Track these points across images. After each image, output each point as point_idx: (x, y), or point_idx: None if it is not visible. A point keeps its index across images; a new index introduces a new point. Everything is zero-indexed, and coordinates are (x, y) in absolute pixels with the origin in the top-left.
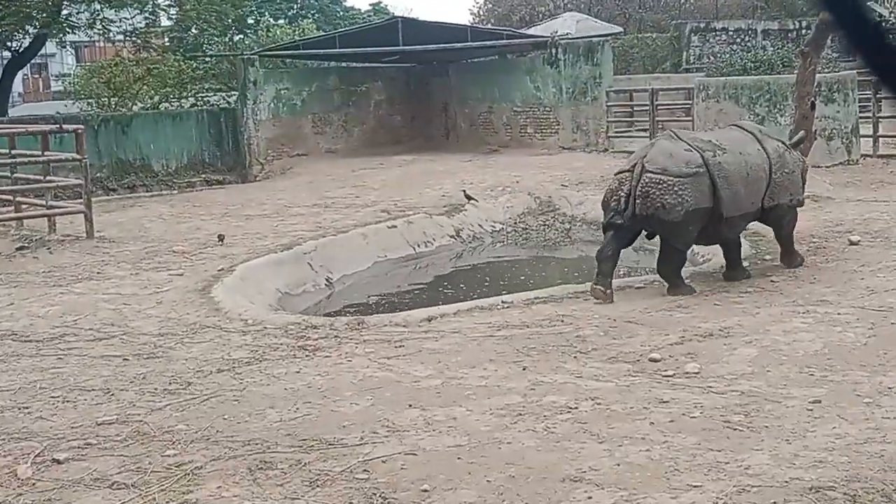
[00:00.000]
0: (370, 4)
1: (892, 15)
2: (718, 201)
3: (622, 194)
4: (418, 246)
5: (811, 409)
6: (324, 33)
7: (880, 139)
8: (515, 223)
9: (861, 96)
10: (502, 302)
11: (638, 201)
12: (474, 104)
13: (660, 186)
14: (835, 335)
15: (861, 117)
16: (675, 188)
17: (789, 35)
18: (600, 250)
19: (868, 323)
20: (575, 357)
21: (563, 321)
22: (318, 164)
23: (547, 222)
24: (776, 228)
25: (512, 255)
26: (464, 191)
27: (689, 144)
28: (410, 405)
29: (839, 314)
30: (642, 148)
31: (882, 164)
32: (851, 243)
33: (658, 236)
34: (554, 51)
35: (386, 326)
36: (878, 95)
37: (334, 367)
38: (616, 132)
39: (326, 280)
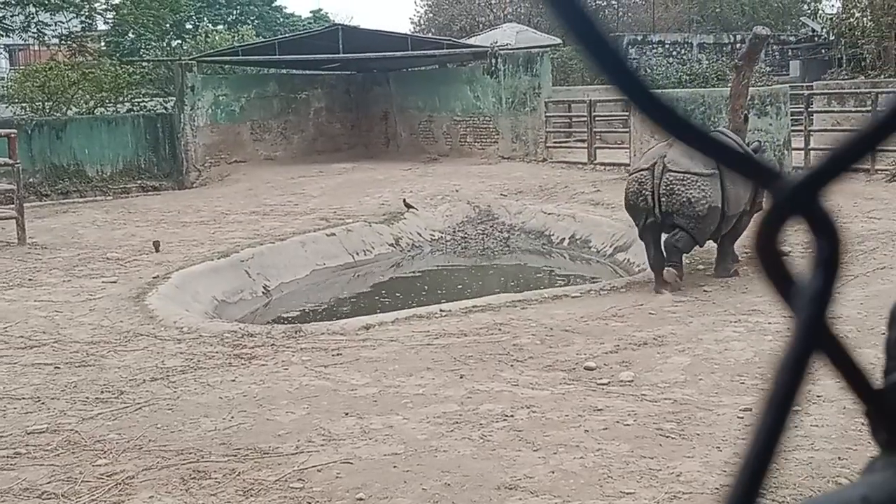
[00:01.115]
0: (311, 11)
1: (825, 30)
2: (725, 200)
3: (647, 193)
4: (357, 254)
5: (742, 417)
6: (263, 40)
7: (811, 152)
8: (454, 232)
9: (793, 110)
10: (440, 310)
11: (663, 199)
12: (415, 113)
13: (683, 183)
14: (765, 344)
15: (793, 130)
16: (699, 184)
17: (724, 49)
18: (652, 262)
19: None
20: (511, 365)
21: (500, 330)
22: (256, 172)
23: (486, 231)
24: (736, 234)
25: (451, 264)
26: (404, 199)
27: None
28: (347, 414)
29: (770, 323)
30: (658, 147)
31: None
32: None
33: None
34: (494, 61)
35: (323, 335)
36: (809, 109)
37: (270, 376)
38: (555, 143)
39: (264, 288)
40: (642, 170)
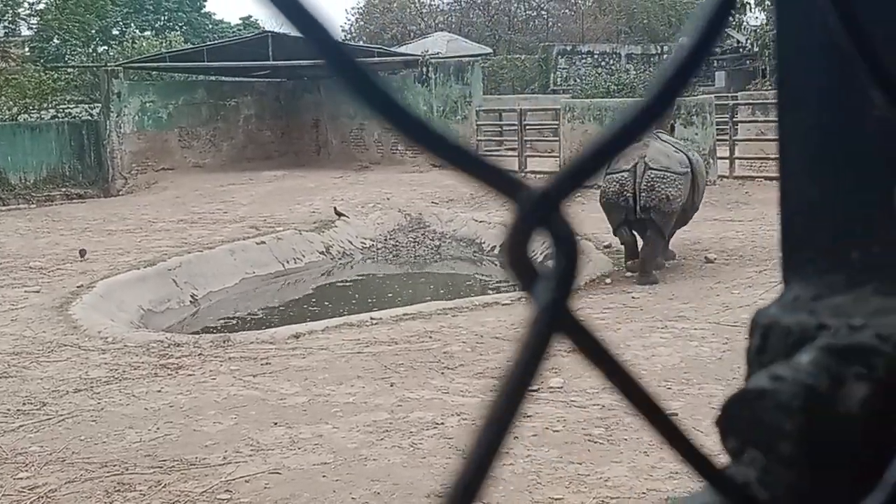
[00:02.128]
0: (240, 18)
1: (749, 42)
2: (693, 193)
3: (628, 193)
4: (287, 262)
5: None
6: (192, 46)
7: (736, 161)
8: (386, 240)
9: (718, 119)
10: (371, 318)
11: (643, 194)
12: (345, 121)
13: (664, 181)
14: (691, 349)
15: (718, 140)
16: (676, 183)
17: (651, 59)
18: (630, 255)
19: (723, 338)
20: (442, 373)
21: (431, 337)
22: (184, 179)
23: (417, 239)
24: (674, 230)
25: (382, 272)
26: (335, 207)
27: (675, 147)
28: (275, 423)
29: (696, 329)
30: (635, 148)
31: (738, 185)
32: (708, 261)
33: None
34: (425, 69)
35: (252, 344)
36: (734, 119)
37: (198, 386)
38: (486, 151)
39: (191, 297)
40: (623, 170)
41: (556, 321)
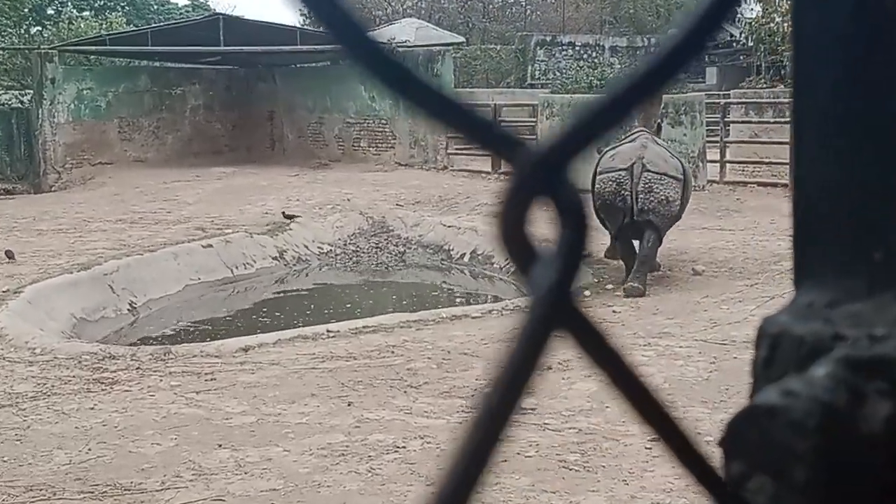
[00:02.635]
0: None
1: (743, 35)
2: (684, 202)
3: (626, 193)
4: (236, 268)
5: (650, 448)
6: (134, 28)
7: (727, 165)
8: (345, 245)
9: (709, 119)
10: (327, 331)
11: (641, 196)
12: (303, 114)
13: (662, 182)
14: (676, 369)
15: (708, 141)
16: (674, 186)
17: (637, 52)
18: (630, 258)
19: (710, 357)
20: (405, 392)
21: (393, 352)
22: (124, 175)
23: (379, 244)
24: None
25: (340, 280)
26: (283, 211)
27: (670, 152)
28: (220, 445)
29: (681, 347)
30: (630, 148)
31: (728, 192)
32: (695, 273)
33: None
34: None
35: (196, 357)
36: (725, 119)
37: (135, 403)
38: (456, 149)
39: (130, 305)
40: (619, 170)
41: (556, 311)
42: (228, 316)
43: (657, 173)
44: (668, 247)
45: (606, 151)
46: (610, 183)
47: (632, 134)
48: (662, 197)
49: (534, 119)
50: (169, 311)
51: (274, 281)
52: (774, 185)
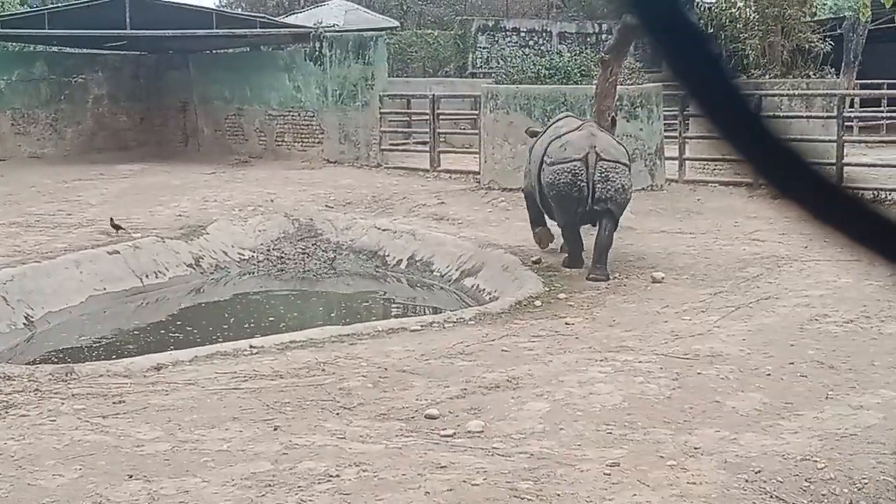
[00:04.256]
0: None
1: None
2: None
3: (582, 183)
4: (147, 277)
5: (609, 474)
6: (29, 9)
7: (686, 162)
8: (268, 250)
9: (666, 113)
10: (250, 347)
11: (598, 185)
12: (220, 105)
13: (617, 171)
14: (636, 386)
15: (666, 137)
16: (627, 173)
17: (588, 39)
18: (576, 244)
19: (672, 372)
20: (337, 414)
21: (323, 370)
22: (18, 173)
23: (307, 250)
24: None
25: (264, 290)
26: (111, 218)
27: (615, 139)
28: (131, 476)
29: (641, 362)
30: (579, 137)
31: (689, 191)
32: (654, 281)
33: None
34: (318, 45)
35: (102, 377)
36: (685, 112)
37: (33, 429)
38: (391, 145)
39: (26, 318)
40: (574, 160)
41: None
42: (138, 331)
43: (612, 161)
44: (624, 252)
45: (551, 142)
46: (565, 174)
47: (559, 120)
48: (619, 185)
49: (475, 111)
50: (71, 325)
51: (189, 291)
52: (738, 184)
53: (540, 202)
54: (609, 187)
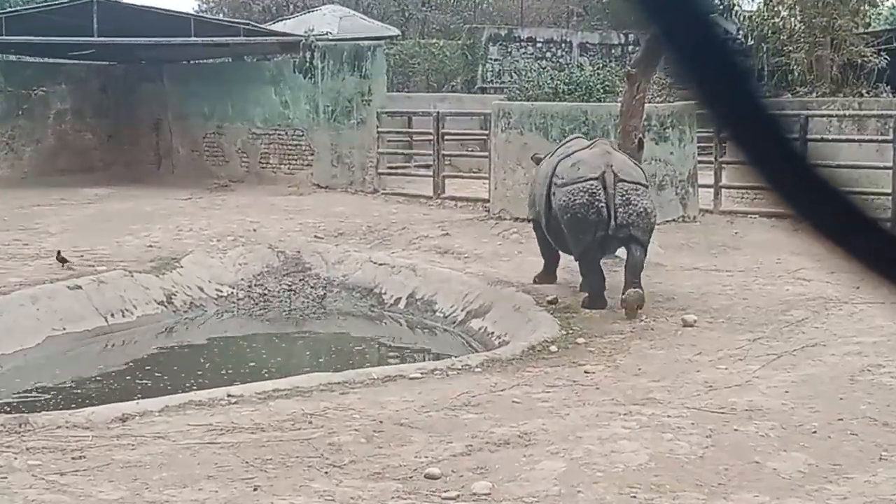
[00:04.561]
0: None
1: (742, 33)
2: None
3: (601, 204)
4: (112, 315)
5: None
6: None
7: (723, 191)
8: (250, 286)
9: (700, 135)
10: (228, 395)
11: (619, 209)
12: (198, 122)
13: (637, 192)
14: (664, 444)
15: (700, 162)
16: (649, 195)
17: (612, 51)
18: (599, 285)
19: (705, 429)
20: (326, 473)
21: (311, 423)
22: None
23: (293, 286)
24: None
25: (244, 331)
26: (59, 251)
27: (632, 160)
28: None
29: (669, 417)
30: (592, 154)
31: (725, 223)
32: (686, 324)
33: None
34: (309, 55)
35: (60, 429)
36: (721, 135)
37: None
38: (389, 168)
39: None
40: (590, 179)
41: None
42: (102, 376)
43: (632, 183)
44: (652, 291)
45: (560, 161)
46: (581, 194)
47: (568, 141)
48: (642, 209)
49: (485, 131)
50: (26, 370)
51: (160, 332)
52: (780, 215)
53: (548, 232)
54: (632, 211)
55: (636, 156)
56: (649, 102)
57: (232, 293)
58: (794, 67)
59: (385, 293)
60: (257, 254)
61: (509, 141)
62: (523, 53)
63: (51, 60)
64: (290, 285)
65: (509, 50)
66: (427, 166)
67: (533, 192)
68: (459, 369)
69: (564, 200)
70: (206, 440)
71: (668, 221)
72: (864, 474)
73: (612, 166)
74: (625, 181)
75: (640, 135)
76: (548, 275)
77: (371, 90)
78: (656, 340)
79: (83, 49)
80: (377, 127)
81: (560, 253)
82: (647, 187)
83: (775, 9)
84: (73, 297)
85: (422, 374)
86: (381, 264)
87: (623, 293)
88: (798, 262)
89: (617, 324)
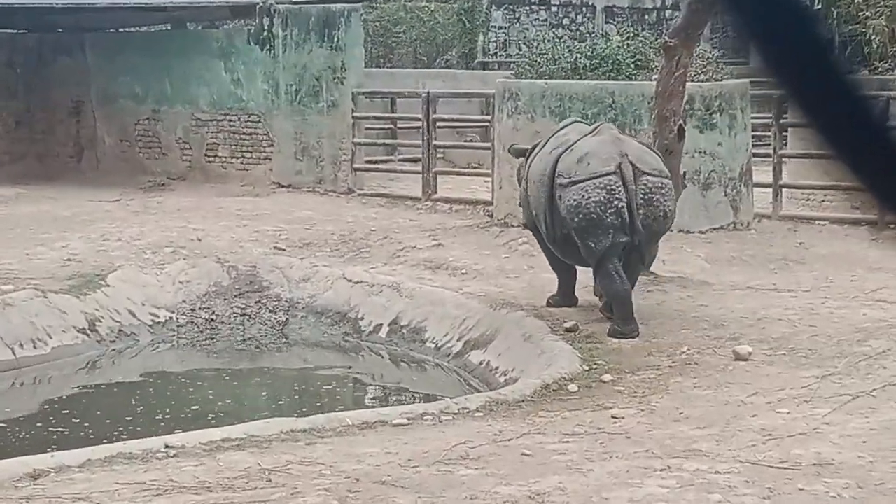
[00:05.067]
0: None
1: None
2: None
3: (620, 203)
4: (21, 346)
5: None
6: None
7: (784, 191)
8: (194, 310)
9: (756, 120)
10: (166, 446)
11: (641, 210)
12: (128, 104)
13: (662, 191)
14: None
15: (755, 155)
16: (671, 192)
17: (646, 17)
18: (622, 288)
19: (763, 488)
20: None
21: (269, 481)
22: None
23: (248, 310)
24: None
25: (185, 366)
26: None
27: (648, 146)
28: None
29: (718, 473)
30: (600, 143)
31: (787, 231)
32: (738, 357)
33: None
34: (266, 21)
35: None
36: (782, 120)
37: None
38: (368, 162)
39: None
40: (607, 173)
41: None
42: (7, 423)
43: (655, 176)
44: (695, 316)
45: (560, 155)
46: (597, 191)
47: (561, 129)
48: (661, 212)
49: (487, 116)
50: None
51: (81, 367)
52: (856, 221)
53: (552, 242)
54: (651, 213)
55: (675, 147)
56: (691, 81)
57: (171, 318)
58: (873, 38)
59: (362, 318)
60: (202, 269)
61: (517, 129)
62: (535, 20)
63: None
64: (243, 308)
65: (517, 15)
66: (415, 160)
67: (526, 193)
68: (455, 414)
69: (575, 201)
70: (139, 502)
71: (715, 229)
72: None
73: (627, 156)
74: (647, 174)
75: (681, 121)
76: (565, 295)
77: (345, 65)
78: (701, 378)
79: None
80: (352, 111)
81: (577, 267)
82: (669, 179)
83: None
84: None
85: (408, 419)
86: (357, 282)
87: (610, 330)
88: (878, 279)
89: (652, 356)
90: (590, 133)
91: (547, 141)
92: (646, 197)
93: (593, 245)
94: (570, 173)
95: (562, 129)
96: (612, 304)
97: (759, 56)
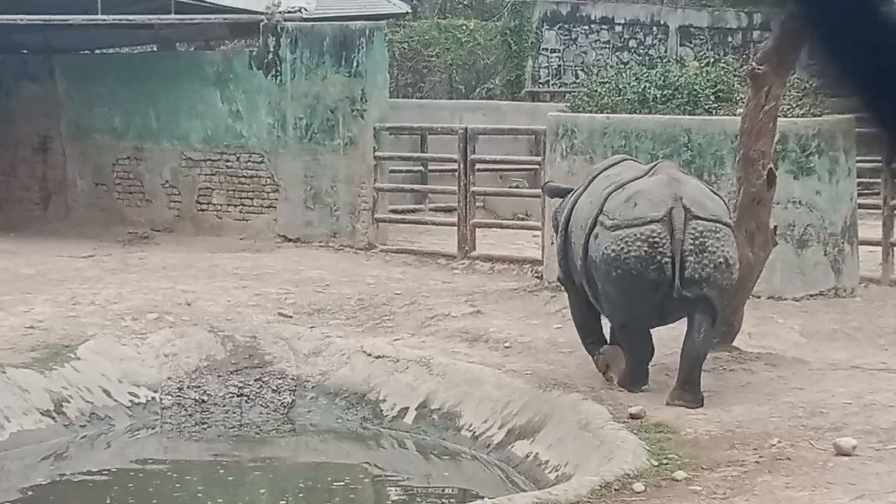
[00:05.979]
0: None
1: None
2: None
3: (664, 258)
4: None
5: None
6: None
7: (895, 249)
8: (181, 389)
9: (862, 164)
10: None
11: (689, 259)
12: (106, 140)
13: (717, 235)
14: None
15: (861, 206)
16: (732, 239)
17: (729, 39)
18: (641, 367)
19: None
20: None
21: None
22: None
23: (247, 389)
24: None
25: (172, 456)
26: None
27: (711, 188)
28: None
29: None
30: (656, 183)
31: None
32: (840, 452)
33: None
34: (272, 42)
35: None
36: (894, 164)
37: None
38: (392, 212)
39: None
40: (651, 221)
41: None
42: None
43: (710, 221)
44: (788, 400)
45: (610, 194)
46: (638, 243)
47: (614, 165)
48: (720, 259)
49: (537, 157)
50: None
51: (45, 456)
52: None
53: (588, 289)
54: (706, 261)
55: (764, 196)
56: (784, 116)
57: (153, 399)
58: None
59: (384, 400)
60: (192, 340)
61: (573, 172)
62: (595, 41)
63: None
64: (240, 387)
65: (573, 36)
66: (449, 210)
67: (564, 241)
68: None
69: (613, 251)
70: None
71: (813, 296)
72: None
73: (682, 199)
74: (699, 218)
75: (771, 164)
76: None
77: (365, 95)
78: (795, 476)
79: None
80: (374, 150)
81: (650, 335)
82: (730, 227)
83: None
84: None
85: None
86: (378, 357)
87: (672, 394)
88: None
89: (735, 450)
90: (647, 172)
91: (592, 180)
92: (696, 242)
93: (628, 304)
94: (614, 214)
95: (610, 165)
96: (627, 362)
97: (847, 89)
